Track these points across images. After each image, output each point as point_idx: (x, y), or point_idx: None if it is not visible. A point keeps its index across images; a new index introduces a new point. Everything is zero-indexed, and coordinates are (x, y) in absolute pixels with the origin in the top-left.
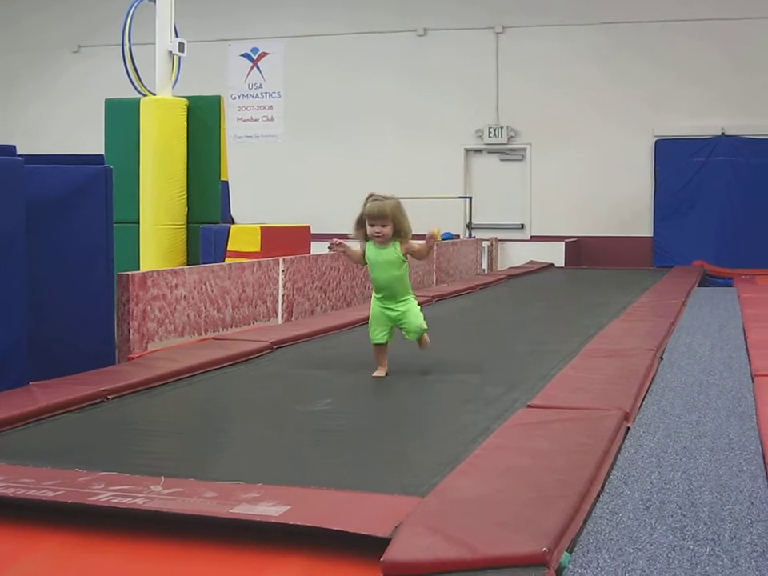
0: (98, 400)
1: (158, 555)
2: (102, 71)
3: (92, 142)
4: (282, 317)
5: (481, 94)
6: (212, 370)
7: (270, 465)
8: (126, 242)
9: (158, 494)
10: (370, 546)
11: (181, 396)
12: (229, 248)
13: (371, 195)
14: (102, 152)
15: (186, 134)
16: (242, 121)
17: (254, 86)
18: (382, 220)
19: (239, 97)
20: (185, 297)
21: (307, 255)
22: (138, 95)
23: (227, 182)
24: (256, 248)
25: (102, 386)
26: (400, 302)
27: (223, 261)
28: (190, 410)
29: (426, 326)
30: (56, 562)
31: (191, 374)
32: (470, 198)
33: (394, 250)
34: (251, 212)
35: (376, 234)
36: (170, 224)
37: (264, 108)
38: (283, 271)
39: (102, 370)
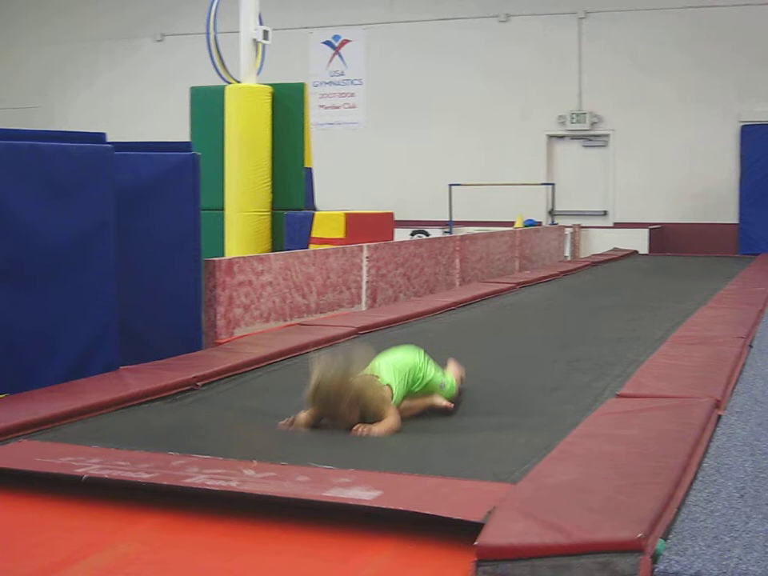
0: (189, 386)
1: (250, 537)
2: (186, 60)
3: (176, 130)
4: (366, 303)
5: (563, 80)
6: (298, 355)
7: (362, 450)
8: (211, 228)
9: (251, 478)
10: (462, 531)
11: (268, 380)
12: (313, 234)
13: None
14: (187, 139)
15: (270, 121)
16: (324, 108)
17: (335, 74)
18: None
19: (321, 84)
20: (270, 283)
21: (391, 242)
22: (223, 83)
23: (311, 168)
24: (340, 234)
25: (191, 373)
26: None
27: (307, 247)
28: (275, 396)
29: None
30: (151, 542)
31: (278, 359)
32: (553, 185)
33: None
34: (334, 199)
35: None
36: (255, 211)
37: (346, 95)
38: (367, 258)
39: (191, 355)
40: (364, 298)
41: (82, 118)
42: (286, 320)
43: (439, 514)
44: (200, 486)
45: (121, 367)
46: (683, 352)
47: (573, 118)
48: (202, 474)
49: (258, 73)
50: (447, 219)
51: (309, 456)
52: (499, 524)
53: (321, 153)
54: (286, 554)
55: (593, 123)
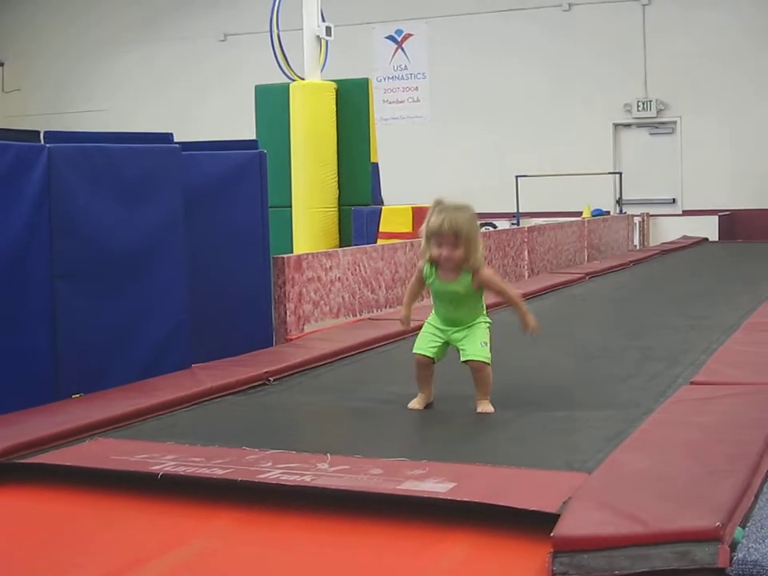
0: (260, 382)
1: (325, 532)
2: (248, 58)
3: (240, 129)
4: None
5: (628, 68)
6: (369, 349)
7: (433, 442)
8: (278, 225)
9: (325, 472)
10: (537, 522)
11: (341, 375)
12: (381, 229)
13: (438, 202)
14: (252, 138)
15: (335, 117)
16: (388, 103)
17: (398, 68)
18: (453, 240)
19: (385, 79)
20: (339, 278)
21: None
22: (287, 80)
23: (377, 163)
24: (408, 228)
25: (263, 368)
26: (465, 327)
27: (375, 242)
28: (349, 389)
29: (487, 359)
30: (227, 538)
31: (349, 354)
32: (620, 174)
33: (466, 282)
34: (400, 193)
35: (443, 259)
36: (322, 207)
37: (409, 89)
38: None
39: (262, 351)
40: None
41: (148, 120)
42: (355, 315)
43: (514, 506)
44: (274, 482)
45: (193, 365)
46: (757, 339)
47: (639, 106)
48: (276, 469)
49: (322, 69)
50: (514, 211)
51: (381, 448)
52: (575, 514)
53: (386, 147)
54: (361, 547)
55: (659, 110)
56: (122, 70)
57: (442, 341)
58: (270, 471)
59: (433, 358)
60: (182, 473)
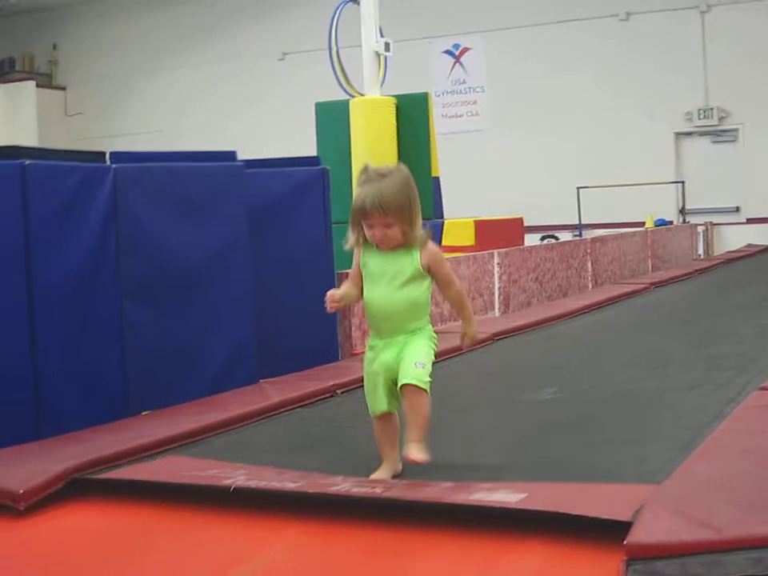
0: (328, 395)
1: (397, 542)
2: (307, 76)
3: (299, 147)
4: (499, 309)
5: (688, 76)
6: (435, 362)
7: (502, 453)
8: (341, 241)
9: (395, 484)
10: (608, 532)
11: None
12: (443, 243)
13: (363, 171)
14: (313, 155)
15: (395, 132)
16: (447, 117)
17: (457, 82)
18: (382, 217)
19: (443, 93)
20: None
21: (522, 247)
22: (347, 97)
23: (438, 177)
24: (470, 242)
25: (330, 381)
26: (406, 334)
27: None
28: None
29: (423, 383)
30: (299, 551)
31: None
32: (683, 183)
33: (411, 258)
34: (461, 207)
35: (379, 242)
36: None
37: (468, 103)
38: (498, 264)
39: (328, 366)
40: (497, 304)
41: (205, 140)
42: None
43: (587, 515)
44: (345, 494)
45: (261, 380)
46: None
47: (700, 114)
48: (347, 482)
49: (382, 85)
50: (575, 223)
51: (448, 462)
52: (648, 522)
53: (446, 161)
54: (434, 558)
55: (721, 118)
56: (182, 90)
57: (391, 382)
58: (341, 484)
59: (391, 411)
60: (254, 486)
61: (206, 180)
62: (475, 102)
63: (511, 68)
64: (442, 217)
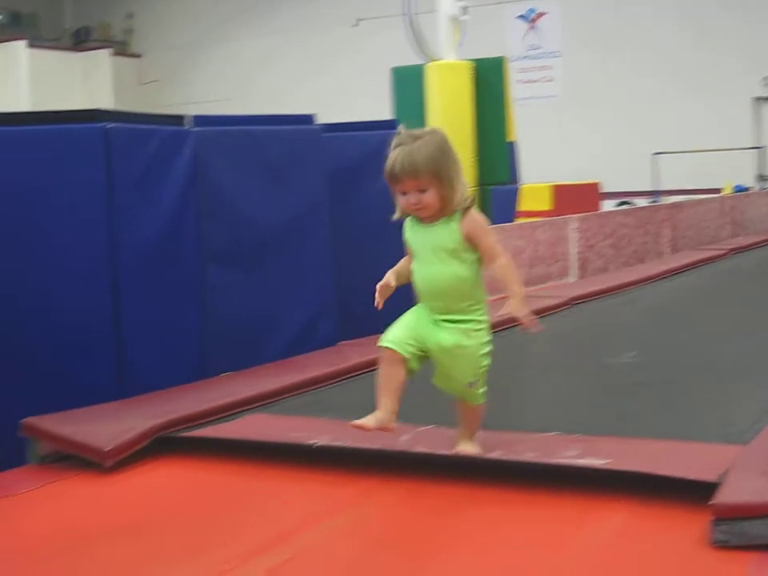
0: None
1: (485, 502)
2: (381, 42)
3: (375, 112)
4: (576, 274)
5: (766, 41)
6: (510, 327)
7: (585, 416)
8: None
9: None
10: (694, 493)
11: None
12: (519, 208)
13: (397, 133)
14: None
15: (472, 97)
16: (522, 83)
17: (531, 47)
18: (415, 181)
19: (517, 59)
20: None
21: (599, 212)
22: (423, 62)
23: (514, 142)
24: (547, 206)
25: None
26: (455, 322)
27: (514, 221)
28: (497, 364)
29: (477, 398)
30: (387, 507)
31: (495, 329)
32: (761, 148)
33: (450, 230)
34: (537, 172)
35: (413, 210)
36: None
37: (542, 68)
38: (575, 229)
39: None
40: (574, 270)
41: (275, 108)
42: (495, 294)
43: (673, 475)
44: (431, 453)
45: (339, 342)
46: None
47: None
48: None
49: (459, 48)
50: (652, 189)
51: (532, 421)
52: (735, 483)
53: (522, 127)
54: (521, 519)
55: None
56: (252, 58)
57: (420, 345)
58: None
59: (406, 359)
60: (338, 445)
61: (284, 143)
62: (550, 68)
63: (586, 32)
64: (518, 182)
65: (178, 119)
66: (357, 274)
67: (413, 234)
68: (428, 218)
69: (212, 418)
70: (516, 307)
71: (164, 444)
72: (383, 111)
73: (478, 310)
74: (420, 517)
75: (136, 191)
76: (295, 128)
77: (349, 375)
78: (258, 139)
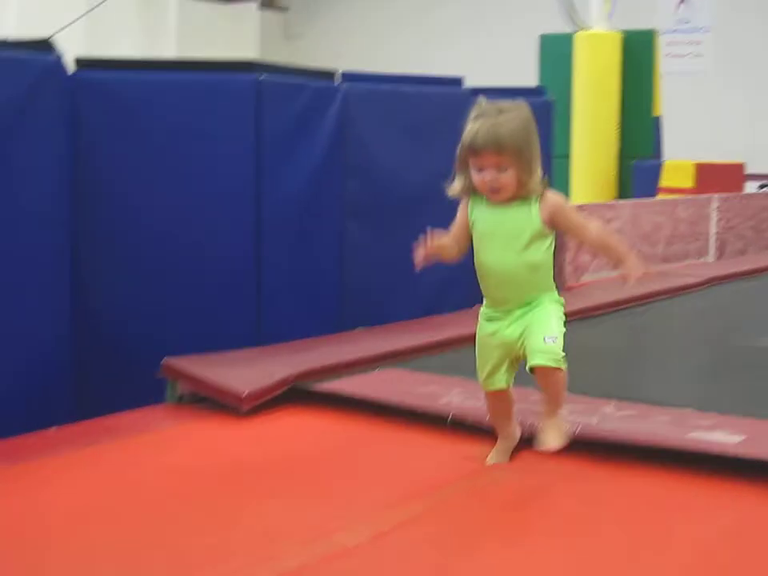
0: None
1: (601, 469)
2: (530, 8)
3: (519, 77)
4: (714, 255)
5: None
6: (649, 302)
7: (720, 395)
8: (557, 175)
9: (611, 416)
10: None
11: (620, 324)
12: (661, 184)
13: (478, 104)
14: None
15: (620, 69)
16: (669, 57)
17: (681, 21)
18: (497, 157)
19: (666, 32)
20: (618, 231)
21: (741, 193)
22: (572, 30)
23: (659, 117)
24: (689, 184)
25: None
26: (524, 306)
27: (655, 197)
28: (630, 338)
29: (557, 361)
30: (512, 468)
31: (629, 304)
32: None
33: (528, 213)
34: (680, 148)
35: (488, 189)
36: (603, 159)
37: (691, 43)
38: (717, 209)
39: None
40: (712, 250)
41: (418, 68)
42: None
43: None
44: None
45: (476, 305)
46: None
47: None
48: (562, 410)
49: (609, 18)
50: None
51: (668, 396)
52: None
53: (667, 102)
54: (641, 494)
55: None
56: (396, 17)
57: (507, 358)
58: None
59: (506, 387)
60: (470, 407)
61: (432, 104)
62: (699, 43)
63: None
64: (661, 157)
65: (328, 74)
66: None
67: (480, 216)
68: (501, 199)
69: (347, 371)
70: (632, 266)
71: (298, 392)
72: (529, 78)
73: (546, 297)
74: (547, 479)
75: (284, 143)
76: (444, 89)
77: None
78: (407, 99)
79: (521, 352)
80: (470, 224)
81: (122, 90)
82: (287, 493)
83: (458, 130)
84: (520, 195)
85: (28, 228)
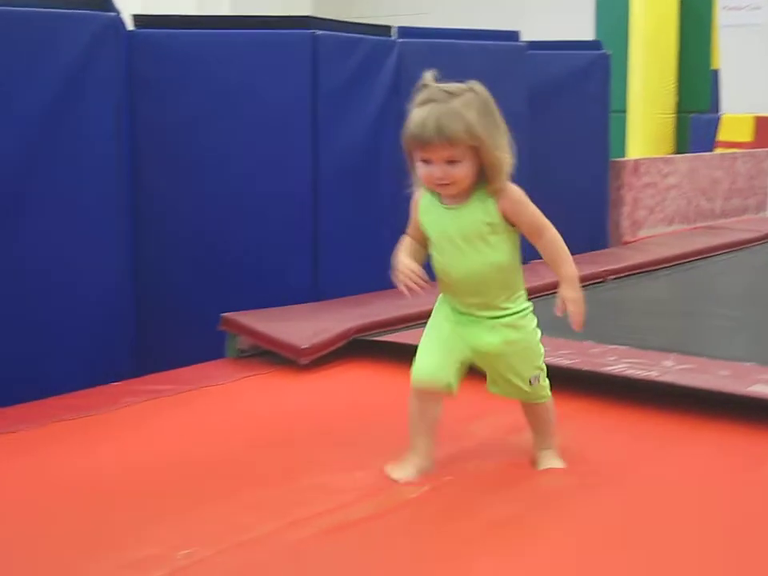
0: (599, 280)
1: (664, 425)
2: None
3: (575, 31)
4: None
5: None
6: (707, 257)
7: None
8: (613, 129)
9: (670, 369)
10: None
11: (679, 279)
12: (719, 138)
13: (424, 85)
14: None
15: (677, 22)
16: (727, 9)
17: None
18: (446, 150)
19: None
20: (675, 186)
21: None
22: None
23: (717, 70)
24: (748, 138)
25: (601, 267)
26: (496, 318)
27: (713, 151)
28: (690, 293)
29: (543, 391)
30: (605, 430)
31: (687, 259)
32: None
33: (487, 209)
34: (738, 102)
35: (436, 185)
36: (659, 113)
37: None
38: None
39: (599, 252)
40: None
41: (480, 23)
42: (689, 223)
43: None
44: (620, 375)
45: (532, 261)
46: None
47: None
48: (621, 363)
49: None
50: None
51: (729, 350)
52: None
53: (725, 55)
54: (702, 444)
55: None
56: None
57: (461, 358)
58: (615, 365)
59: (447, 388)
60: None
61: (488, 59)
62: None
63: None
64: (719, 111)
65: (384, 29)
66: (552, 194)
67: (431, 216)
68: (454, 196)
69: (406, 325)
70: (566, 292)
71: (359, 346)
72: (585, 32)
73: (520, 297)
74: (595, 433)
75: (340, 99)
76: (499, 44)
77: (542, 293)
78: (462, 53)
79: (493, 373)
80: (422, 224)
81: (178, 47)
82: (349, 442)
83: (515, 84)
84: (477, 190)
85: (91, 181)
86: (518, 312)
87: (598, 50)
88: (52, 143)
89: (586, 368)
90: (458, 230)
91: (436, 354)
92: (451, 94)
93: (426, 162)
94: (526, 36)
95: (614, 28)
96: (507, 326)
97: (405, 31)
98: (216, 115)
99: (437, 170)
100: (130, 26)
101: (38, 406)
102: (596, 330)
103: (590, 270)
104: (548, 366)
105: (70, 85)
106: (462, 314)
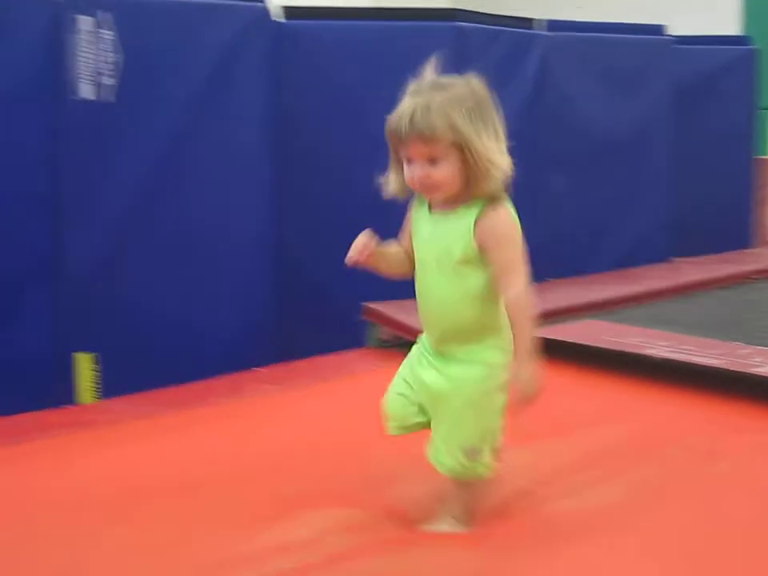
0: (743, 280)
1: None
2: None
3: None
4: None
5: None
6: None
7: None
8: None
9: None
10: None
11: None
12: None
13: (420, 78)
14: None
15: None
16: None
17: None
18: (427, 147)
19: None
20: None
21: None
22: None
23: None
24: None
25: (746, 267)
26: (461, 351)
27: None
28: None
29: (477, 469)
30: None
31: None
32: None
33: (464, 227)
34: None
35: (418, 186)
36: None
37: None
38: None
39: (742, 251)
40: None
41: (625, 16)
42: None
43: None
44: (766, 375)
45: (673, 258)
46: None
47: None
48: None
49: None
50: None
51: None
52: None
53: None
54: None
55: None
56: None
57: (420, 399)
58: (762, 366)
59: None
60: (676, 359)
61: (634, 52)
62: None
63: None
64: None
65: (527, 22)
66: (694, 191)
67: (418, 223)
68: (439, 200)
69: (549, 319)
70: (516, 369)
71: None
72: (732, 27)
73: (496, 336)
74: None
75: None
76: (646, 38)
77: (684, 292)
78: (608, 47)
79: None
80: (412, 234)
81: (326, 37)
82: None
83: (661, 79)
84: (464, 199)
85: (241, 167)
86: (492, 349)
87: (746, 45)
88: (201, 128)
89: (733, 368)
90: (436, 241)
91: (397, 396)
92: (439, 87)
93: (408, 160)
94: (674, 30)
95: (764, 22)
96: (459, 360)
97: (548, 23)
98: (361, 107)
99: (417, 170)
100: (279, 16)
101: (187, 390)
102: (742, 330)
103: (734, 269)
104: (694, 366)
105: (222, 73)
106: (430, 346)
